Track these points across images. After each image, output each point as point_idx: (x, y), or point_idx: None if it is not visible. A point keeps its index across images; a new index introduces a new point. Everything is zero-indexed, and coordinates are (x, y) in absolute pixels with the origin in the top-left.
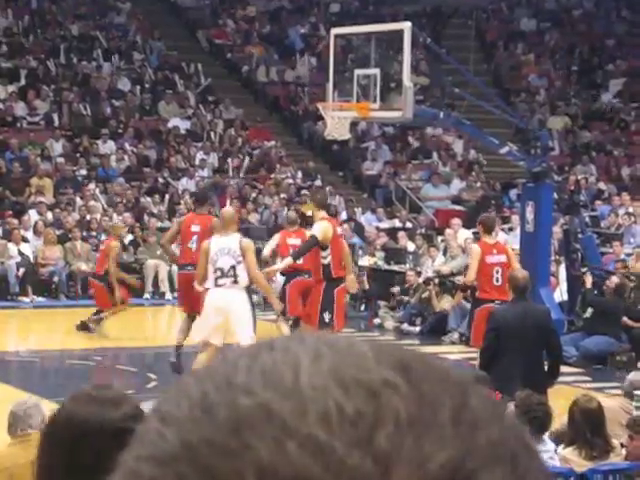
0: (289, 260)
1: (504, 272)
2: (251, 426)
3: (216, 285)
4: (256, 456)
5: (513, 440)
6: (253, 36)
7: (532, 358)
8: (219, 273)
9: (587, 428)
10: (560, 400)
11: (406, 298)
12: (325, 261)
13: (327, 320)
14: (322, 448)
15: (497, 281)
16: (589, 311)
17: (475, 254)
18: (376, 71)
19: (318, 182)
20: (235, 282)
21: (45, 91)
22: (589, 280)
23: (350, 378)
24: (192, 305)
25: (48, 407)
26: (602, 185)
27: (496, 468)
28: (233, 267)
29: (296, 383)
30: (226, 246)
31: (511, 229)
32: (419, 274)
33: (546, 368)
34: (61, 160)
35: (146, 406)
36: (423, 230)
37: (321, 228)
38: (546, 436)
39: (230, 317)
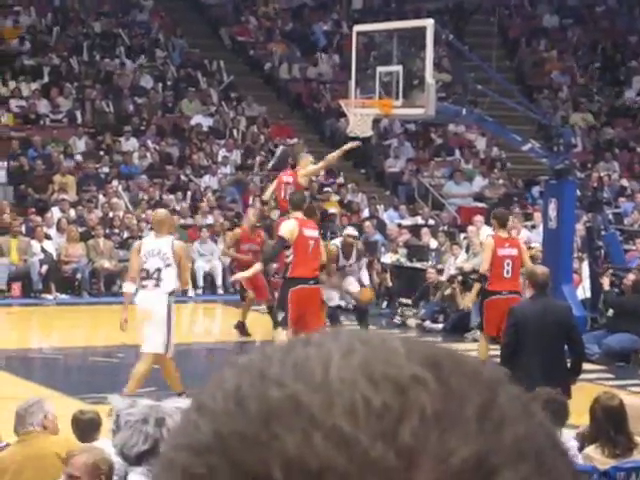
0: (259, 266)
1: (514, 265)
2: (280, 417)
3: (141, 286)
4: (283, 447)
5: (540, 438)
6: (275, 33)
7: (553, 354)
8: (144, 274)
9: (609, 426)
10: (582, 397)
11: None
12: (287, 260)
13: (279, 319)
14: (347, 440)
15: (507, 273)
16: (611, 311)
17: (488, 246)
18: (398, 68)
19: (341, 179)
20: (157, 285)
21: (68, 89)
22: (607, 281)
23: (379, 373)
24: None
25: (68, 404)
26: (625, 182)
27: (520, 465)
28: (158, 270)
29: (325, 376)
30: (156, 247)
31: (534, 226)
32: (441, 271)
33: (569, 365)
34: (84, 157)
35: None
36: (445, 227)
37: (287, 227)
38: (565, 432)
39: (145, 320)
